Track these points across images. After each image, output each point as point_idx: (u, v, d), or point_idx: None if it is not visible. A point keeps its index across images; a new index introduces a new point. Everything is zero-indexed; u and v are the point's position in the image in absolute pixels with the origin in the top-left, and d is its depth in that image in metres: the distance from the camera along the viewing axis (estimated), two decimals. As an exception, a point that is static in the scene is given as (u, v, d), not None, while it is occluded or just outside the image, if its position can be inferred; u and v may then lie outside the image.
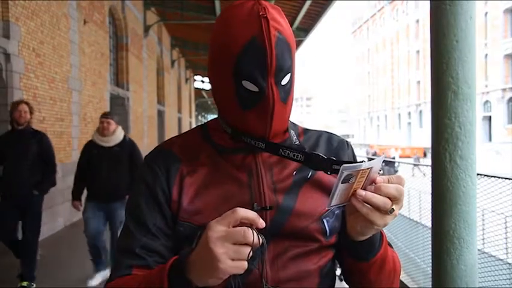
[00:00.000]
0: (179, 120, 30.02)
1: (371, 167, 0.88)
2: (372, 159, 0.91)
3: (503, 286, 4.86)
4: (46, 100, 8.65)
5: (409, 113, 58.86)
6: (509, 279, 4.93)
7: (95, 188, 5.44)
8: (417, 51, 55.50)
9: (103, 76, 12.54)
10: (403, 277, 6.54)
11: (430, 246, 1.75)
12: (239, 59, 1.00)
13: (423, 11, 51.11)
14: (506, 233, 5.40)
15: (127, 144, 5.43)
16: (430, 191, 1.70)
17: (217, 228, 0.80)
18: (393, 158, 28.84)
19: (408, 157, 39.71)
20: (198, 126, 1.22)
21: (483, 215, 5.55)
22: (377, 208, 0.88)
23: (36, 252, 5.49)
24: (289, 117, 1.12)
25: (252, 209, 0.92)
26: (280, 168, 1.08)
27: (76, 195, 5.77)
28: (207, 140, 1.14)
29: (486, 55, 40.68)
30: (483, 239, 5.58)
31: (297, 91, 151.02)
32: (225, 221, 0.81)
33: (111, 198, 5.41)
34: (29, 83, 7.91)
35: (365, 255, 1.01)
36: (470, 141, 1.60)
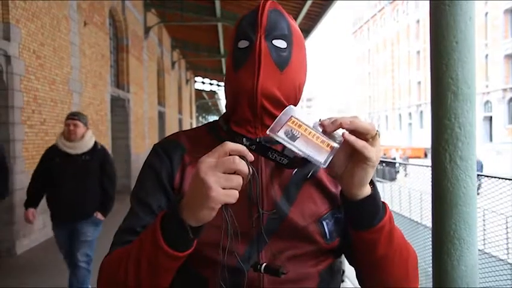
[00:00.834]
0: (180, 121, 30.05)
1: (292, 115, 0.92)
2: None
3: (504, 286, 4.86)
4: (47, 102, 8.66)
5: (410, 114, 58.88)
6: (510, 279, 4.93)
7: (56, 204, 4.49)
8: (418, 52, 55.54)
9: (104, 78, 12.56)
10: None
11: (431, 246, 1.76)
12: (238, 25, 1.11)
13: (424, 12, 51.15)
14: (507, 233, 5.40)
15: (98, 153, 4.55)
16: (430, 191, 1.71)
17: (208, 160, 0.82)
18: (394, 159, 28.82)
19: (409, 158, 39.71)
20: (207, 122, 1.26)
21: (484, 216, 5.56)
22: (366, 134, 0.90)
23: None
24: (289, 92, 1.11)
25: (250, 204, 1.01)
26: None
27: (29, 203, 4.60)
28: (213, 134, 1.17)
29: (486, 55, 40.70)
30: (484, 240, 5.58)
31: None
32: (215, 154, 0.82)
33: (76, 217, 4.48)
34: (30, 85, 7.92)
35: (371, 219, 0.98)
36: (470, 142, 1.61)
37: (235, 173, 0.81)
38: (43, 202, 4.65)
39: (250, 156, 0.85)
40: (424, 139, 47.23)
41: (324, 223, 1.06)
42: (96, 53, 11.90)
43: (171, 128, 24.89)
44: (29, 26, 7.96)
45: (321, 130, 0.91)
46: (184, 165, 1.10)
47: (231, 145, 0.83)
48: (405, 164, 13.89)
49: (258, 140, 1.08)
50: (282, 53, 1.07)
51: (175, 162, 1.11)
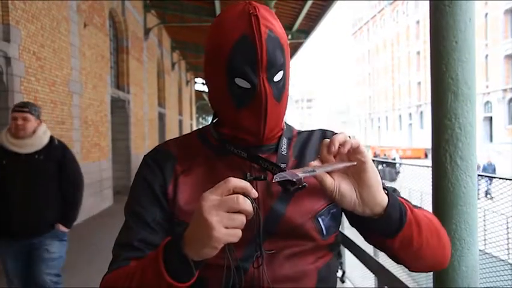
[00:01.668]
0: (180, 122, 30.04)
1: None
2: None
3: (505, 287, 4.85)
4: (47, 103, 8.66)
5: (410, 114, 58.82)
6: (511, 280, 4.92)
7: (4, 216, 3.52)
8: (418, 52, 55.50)
9: (104, 79, 12.56)
10: (404, 277, 6.52)
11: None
12: (231, 57, 1.01)
13: (424, 12, 51.12)
14: (507, 233, 5.40)
15: (55, 151, 3.69)
16: (431, 192, 1.71)
17: (211, 197, 0.81)
18: (394, 159, 28.82)
19: (410, 158, 39.69)
20: (197, 129, 1.25)
21: (484, 216, 5.55)
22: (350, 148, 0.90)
23: None
24: (283, 116, 1.13)
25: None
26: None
27: None
28: (204, 142, 1.17)
29: (487, 56, 40.66)
30: (485, 240, 5.57)
31: (298, 93, 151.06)
32: (218, 191, 0.81)
33: (31, 231, 3.61)
34: (30, 87, 7.92)
35: (398, 224, 0.96)
36: (470, 142, 1.61)
37: (238, 211, 0.81)
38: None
39: (254, 193, 0.84)
40: (424, 140, 47.18)
41: (320, 219, 1.07)
42: (96, 54, 11.90)
43: (171, 129, 24.89)
44: (29, 27, 7.96)
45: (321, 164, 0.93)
46: (177, 176, 1.10)
47: (234, 182, 0.82)
48: (405, 165, 13.89)
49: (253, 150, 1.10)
50: (279, 85, 1.06)
51: (167, 173, 1.10)
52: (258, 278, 1.02)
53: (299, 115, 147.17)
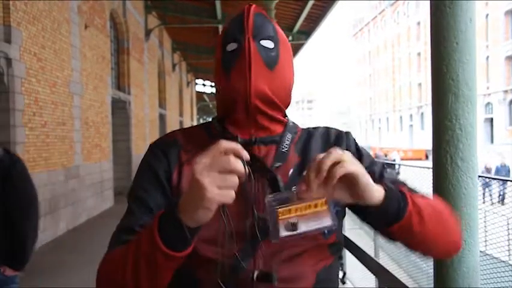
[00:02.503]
0: (181, 123, 30.05)
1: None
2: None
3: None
4: (48, 104, 8.67)
5: (411, 115, 58.82)
6: (512, 281, 4.92)
7: None
8: (419, 53, 55.51)
9: (104, 80, 12.58)
10: (404, 278, 6.54)
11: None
12: (226, 29, 1.14)
13: (424, 13, 51.12)
14: (508, 235, 5.40)
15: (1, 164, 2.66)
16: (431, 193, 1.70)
17: (202, 160, 0.81)
18: (394, 160, 28.79)
19: (410, 159, 39.67)
20: (203, 122, 1.26)
21: (485, 217, 5.55)
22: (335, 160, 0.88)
23: None
24: (280, 91, 1.13)
25: (246, 205, 1.03)
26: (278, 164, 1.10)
27: None
28: (209, 133, 1.17)
29: (487, 57, 40.65)
30: (485, 241, 5.57)
31: (299, 94, 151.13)
32: (210, 153, 0.81)
33: None
34: (31, 88, 7.93)
35: (396, 214, 0.97)
36: (471, 143, 1.60)
37: (230, 172, 0.80)
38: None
39: (246, 155, 0.83)
40: (425, 141, 47.16)
41: None
42: (97, 55, 11.91)
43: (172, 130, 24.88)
44: (30, 28, 7.97)
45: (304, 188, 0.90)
46: (181, 163, 1.11)
47: (225, 144, 0.82)
48: (405, 166, 13.86)
49: (253, 140, 1.10)
50: (270, 53, 1.10)
51: (172, 160, 1.11)
52: (252, 278, 1.01)
53: (300, 116, 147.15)
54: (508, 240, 5.39)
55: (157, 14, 19.10)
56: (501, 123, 39.17)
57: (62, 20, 9.46)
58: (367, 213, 1.03)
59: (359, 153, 1.18)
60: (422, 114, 55.07)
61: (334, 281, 1.14)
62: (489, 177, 4.52)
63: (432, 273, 1.71)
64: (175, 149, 1.13)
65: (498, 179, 4.49)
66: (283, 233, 0.90)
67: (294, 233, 0.90)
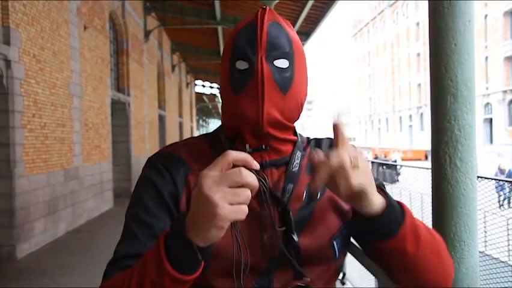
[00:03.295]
0: (181, 124, 30.05)
1: None
2: None
3: (506, 288, 4.85)
4: (47, 106, 8.66)
5: (410, 116, 58.84)
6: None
7: None
8: (418, 54, 55.55)
9: (104, 81, 12.57)
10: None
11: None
12: (234, 41, 1.02)
13: (424, 14, 51.18)
14: (508, 235, 5.40)
15: None
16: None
17: (210, 173, 0.74)
18: (395, 161, 28.82)
19: (410, 160, 39.68)
20: (205, 134, 1.16)
21: (485, 218, 5.55)
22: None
23: None
24: (292, 113, 1.05)
25: (261, 224, 0.98)
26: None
27: None
28: (216, 151, 1.04)
29: (486, 57, 40.68)
30: (485, 241, 5.57)
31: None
32: (217, 166, 0.75)
33: None
34: (30, 89, 7.92)
35: (393, 227, 0.90)
36: (470, 144, 1.61)
37: (242, 186, 0.74)
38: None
39: (256, 165, 0.78)
40: (425, 141, 47.19)
41: (335, 242, 1.03)
42: (96, 56, 11.91)
43: (172, 132, 24.90)
44: (29, 30, 7.97)
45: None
46: (190, 188, 1.01)
47: (234, 154, 0.76)
48: (405, 167, 13.88)
49: (265, 164, 1.03)
50: (284, 74, 1.00)
51: (179, 182, 1.01)
52: None
53: (300, 117, 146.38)
54: (508, 240, 5.39)
55: (157, 15, 19.10)
56: (500, 123, 39.18)
57: (61, 21, 9.46)
58: (357, 223, 0.96)
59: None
60: (421, 114, 55.09)
61: None
62: (489, 178, 4.51)
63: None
64: (180, 167, 1.03)
65: (498, 179, 4.48)
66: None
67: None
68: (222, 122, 1.12)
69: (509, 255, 5.27)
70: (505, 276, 4.86)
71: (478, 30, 39.64)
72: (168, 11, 17.93)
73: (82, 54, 10.79)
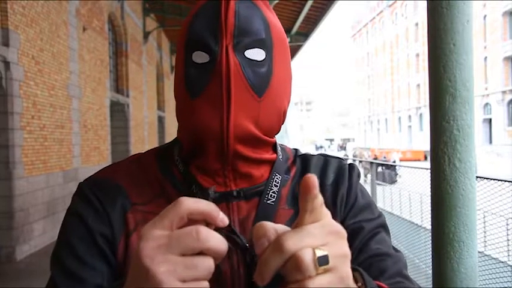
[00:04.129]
0: (180, 125, 30.03)
1: None
2: None
3: (505, 288, 4.85)
4: (46, 107, 8.66)
5: (409, 116, 58.88)
6: (511, 281, 4.92)
7: None
8: (417, 55, 55.59)
9: (103, 83, 12.57)
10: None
11: (431, 248, 1.75)
12: (190, 25, 0.75)
13: (422, 15, 51.24)
14: (507, 235, 5.40)
15: None
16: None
17: (153, 234, 0.50)
18: (394, 162, 28.82)
19: (409, 160, 39.71)
20: (157, 149, 0.89)
21: (484, 218, 5.55)
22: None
23: None
24: (271, 123, 0.78)
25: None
26: None
27: None
28: (166, 175, 0.82)
29: (485, 58, 40.72)
30: (485, 242, 5.57)
31: (297, 95, 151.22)
32: (165, 221, 0.51)
33: None
34: (29, 91, 7.92)
35: None
36: (468, 144, 1.61)
37: (201, 253, 0.50)
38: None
39: (223, 220, 0.53)
40: (424, 142, 47.25)
41: None
42: (95, 58, 11.91)
43: (171, 133, 24.89)
44: (28, 31, 7.97)
45: None
46: (129, 230, 0.76)
47: (189, 204, 0.51)
48: (404, 167, 13.88)
49: (235, 194, 0.77)
50: (259, 69, 0.74)
51: (116, 221, 0.76)
52: None
53: (299, 118, 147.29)
54: (507, 241, 5.39)
55: (155, 17, 19.10)
56: (500, 123, 39.21)
57: (60, 23, 9.46)
58: None
59: (355, 198, 0.85)
60: (420, 115, 55.13)
61: None
62: (489, 178, 4.51)
63: (431, 274, 1.71)
64: (117, 200, 0.77)
65: (496, 179, 4.48)
66: None
67: None
68: (178, 133, 0.84)
69: (508, 255, 5.27)
70: (504, 277, 4.86)
71: (477, 31, 39.69)
72: (167, 12, 17.94)
73: (81, 55, 10.78)
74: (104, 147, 12.57)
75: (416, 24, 55.83)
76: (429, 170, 1.71)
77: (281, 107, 0.79)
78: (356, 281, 0.56)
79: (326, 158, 0.91)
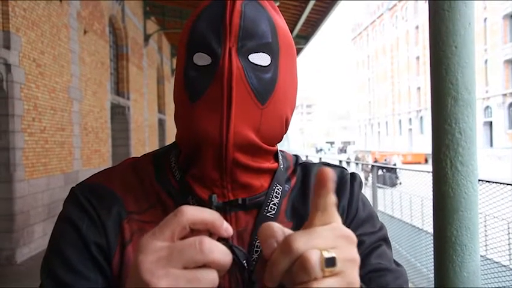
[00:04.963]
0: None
1: None
2: None
3: (507, 292, 4.83)
4: (47, 110, 8.67)
5: (410, 119, 58.88)
6: (513, 285, 4.90)
7: None
8: (417, 57, 55.63)
9: (104, 85, 12.58)
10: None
11: (432, 252, 1.74)
12: (193, 26, 0.72)
13: (423, 18, 51.32)
14: (509, 239, 5.38)
15: None
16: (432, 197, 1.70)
17: (153, 246, 0.47)
18: (395, 165, 28.80)
19: (410, 163, 39.67)
20: (153, 154, 0.85)
21: (485, 221, 5.54)
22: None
23: None
24: (274, 132, 0.76)
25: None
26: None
27: None
28: (163, 183, 0.78)
29: (486, 61, 40.75)
30: (486, 245, 5.56)
31: (297, 98, 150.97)
32: (166, 232, 0.48)
33: None
34: (30, 93, 7.93)
35: None
36: (470, 147, 1.60)
37: (205, 266, 0.47)
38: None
39: (227, 230, 0.51)
40: (424, 145, 47.22)
41: None
42: (96, 60, 11.92)
43: (171, 135, 24.88)
44: (29, 34, 7.98)
45: None
46: (125, 241, 0.72)
47: (192, 214, 0.48)
48: (405, 170, 13.86)
49: (240, 202, 0.74)
50: (263, 75, 0.71)
51: (111, 230, 0.72)
52: None
53: (299, 121, 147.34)
54: (509, 244, 5.38)
55: (156, 20, 19.13)
56: (500, 126, 39.21)
57: (61, 26, 9.48)
58: None
59: (356, 209, 0.82)
60: (421, 118, 55.14)
61: None
62: (489, 181, 4.50)
63: (433, 278, 1.71)
64: (113, 208, 0.74)
65: (498, 182, 4.47)
66: None
67: None
68: (176, 138, 0.81)
69: (510, 259, 5.26)
70: (507, 281, 4.85)
71: (478, 34, 39.71)
72: (168, 15, 17.98)
73: (82, 58, 10.80)
74: (104, 149, 12.57)
75: (417, 27, 55.89)
76: (430, 173, 1.71)
77: (284, 116, 0.76)
78: None
79: (326, 165, 0.87)
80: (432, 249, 1.71)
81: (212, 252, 0.46)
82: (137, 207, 0.74)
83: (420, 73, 54.21)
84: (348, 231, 0.49)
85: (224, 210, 0.73)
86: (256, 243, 0.72)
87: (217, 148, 0.69)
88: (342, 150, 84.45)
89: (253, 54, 0.70)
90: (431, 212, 1.70)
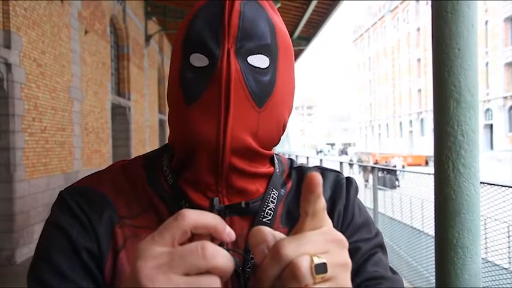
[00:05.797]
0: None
1: None
2: None
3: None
4: (47, 110, 8.66)
5: (410, 121, 58.87)
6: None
7: None
8: (418, 60, 55.62)
9: (104, 86, 12.58)
10: (405, 285, 6.48)
11: (433, 254, 1.74)
12: (190, 25, 0.71)
13: (424, 20, 51.31)
14: (509, 241, 5.37)
15: None
16: (433, 199, 1.69)
17: (153, 251, 0.44)
18: (395, 166, 28.77)
19: (410, 165, 39.64)
20: (144, 156, 0.83)
21: (485, 224, 5.53)
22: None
23: None
24: (270, 136, 0.74)
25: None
26: None
27: None
28: (155, 187, 0.76)
29: (487, 63, 40.74)
30: (486, 248, 5.55)
31: (298, 99, 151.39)
32: (166, 236, 0.45)
33: None
34: (30, 93, 7.92)
35: None
36: (473, 150, 1.59)
37: (207, 272, 0.44)
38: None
39: (229, 235, 0.48)
40: (425, 147, 47.21)
41: None
42: (97, 61, 11.92)
43: (172, 136, 24.91)
44: (30, 34, 7.97)
45: None
46: (118, 248, 0.70)
47: (194, 217, 0.46)
48: (405, 172, 13.85)
49: (243, 205, 0.70)
50: (262, 78, 0.69)
51: (102, 235, 0.69)
52: None
53: (300, 122, 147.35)
54: (509, 247, 5.37)
55: (157, 20, 19.13)
56: (501, 129, 39.19)
57: (62, 26, 9.48)
58: None
59: (352, 215, 0.80)
60: (421, 120, 55.12)
61: None
62: (490, 184, 4.49)
63: (433, 280, 1.70)
64: (104, 212, 0.71)
65: (500, 185, 4.46)
66: None
67: None
68: (168, 140, 0.80)
69: (510, 262, 5.25)
70: (507, 284, 4.84)
71: (479, 36, 39.25)
72: (169, 15, 17.98)
73: (83, 58, 10.80)
74: (105, 150, 12.57)
75: (418, 29, 55.89)
76: (431, 175, 1.70)
77: (282, 119, 0.75)
78: None
79: (322, 172, 0.84)
80: (433, 251, 1.70)
81: (215, 258, 0.44)
82: (129, 212, 0.72)
83: (421, 75, 54.20)
84: (339, 235, 0.48)
85: (219, 215, 0.68)
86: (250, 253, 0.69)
87: (213, 152, 0.67)
88: (343, 152, 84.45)
89: (252, 55, 0.68)
90: (432, 214, 1.69)
